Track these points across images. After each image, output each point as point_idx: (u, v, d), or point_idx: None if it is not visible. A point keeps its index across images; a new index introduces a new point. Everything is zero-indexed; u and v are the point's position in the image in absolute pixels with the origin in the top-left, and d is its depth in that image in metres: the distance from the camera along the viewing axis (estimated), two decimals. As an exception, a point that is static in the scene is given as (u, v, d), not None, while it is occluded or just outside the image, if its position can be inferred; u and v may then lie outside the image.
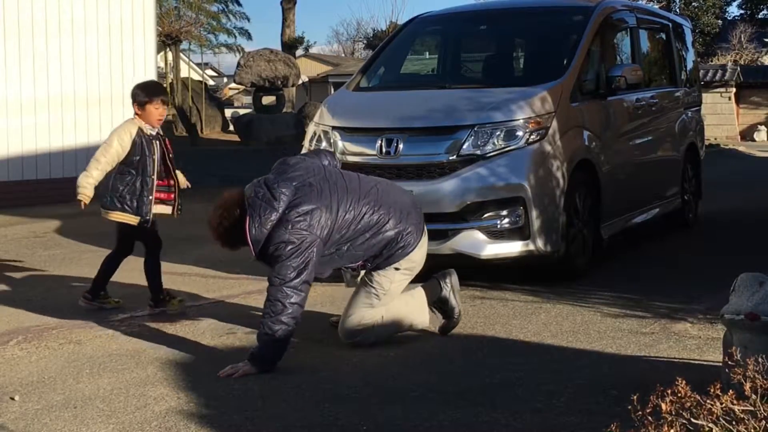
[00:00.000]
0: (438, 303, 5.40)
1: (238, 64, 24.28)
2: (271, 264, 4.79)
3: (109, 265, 6.28)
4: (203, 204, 9.26)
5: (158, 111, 6.02)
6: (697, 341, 5.15)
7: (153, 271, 6.18)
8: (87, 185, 6.00)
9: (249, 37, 39.36)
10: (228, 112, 31.37)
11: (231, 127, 26.54)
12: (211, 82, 43.60)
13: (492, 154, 6.57)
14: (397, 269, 5.11)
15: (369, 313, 5.14)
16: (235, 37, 35.88)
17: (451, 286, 5.40)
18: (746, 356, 2.90)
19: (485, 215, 6.52)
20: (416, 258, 5.17)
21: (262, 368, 4.67)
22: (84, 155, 12.71)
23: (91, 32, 12.86)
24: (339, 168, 5.30)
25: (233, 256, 7.83)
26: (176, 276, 7.37)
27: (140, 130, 6.00)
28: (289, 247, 4.70)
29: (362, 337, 5.15)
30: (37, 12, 12.35)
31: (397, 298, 5.25)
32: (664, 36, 9.66)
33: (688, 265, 7.70)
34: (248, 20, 47.83)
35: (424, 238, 5.23)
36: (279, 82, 23.62)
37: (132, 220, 6.04)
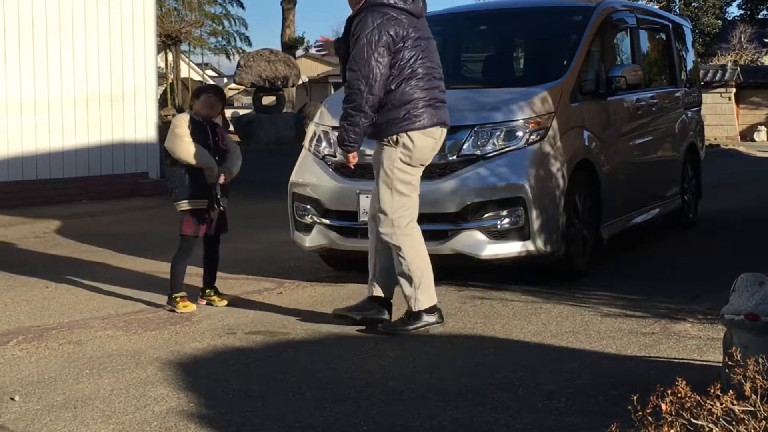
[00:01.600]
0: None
1: (239, 64, 24.27)
2: (350, 49, 5.41)
3: (208, 263, 6.38)
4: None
5: (210, 100, 6.28)
6: (697, 341, 5.15)
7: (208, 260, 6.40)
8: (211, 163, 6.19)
9: (249, 43, 39.42)
10: (228, 113, 31.36)
11: (231, 128, 26.54)
12: (211, 83, 43.57)
13: (492, 154, 6.57)
14: (394, 147, 5.40)
15: (394, 208, 5.43)
16: (236, 40, 35.91)
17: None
18: (746, 356, 2.90)
19: (485, 215, 6.51)
20: (417, 142, 5.43)
21: (347, 149, 5.49)
22: (84, 155, 12.76)
23: (91, 32, 12.86)
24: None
25: (232, 256, 7.83)
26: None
27: (191, 118, 6.22)
28: (375, 34, 5.31)
29: (395, 239, 5.43)
30: (37, 12, 12.35)
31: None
32: (664, 36, 9.66)
33: (688, 265, 7.70)
34: (246, 27, 47.84)
35: (435, 136, 5.52)
36: (279, 83, 23.61)
37: (202, 205, 6.18)
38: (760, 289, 3.79)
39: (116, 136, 13.14)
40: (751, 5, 41.24)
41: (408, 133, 5.40)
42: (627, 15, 8.67)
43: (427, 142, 5.48)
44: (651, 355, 4.91)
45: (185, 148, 6.10)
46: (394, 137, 5.40)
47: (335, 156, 6.83)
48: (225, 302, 6.31)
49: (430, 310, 5.49)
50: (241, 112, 31.24)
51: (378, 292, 5.64)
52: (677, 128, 9.29)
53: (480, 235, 6.49)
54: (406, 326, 5.48)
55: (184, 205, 6.17)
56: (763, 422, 2.54)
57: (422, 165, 5.55)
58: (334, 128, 6.98)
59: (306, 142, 7.22)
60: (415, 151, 5.43)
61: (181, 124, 6.18)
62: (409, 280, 5.47)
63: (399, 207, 5.44)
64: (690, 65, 10.34)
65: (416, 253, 5.47)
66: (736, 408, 2.58)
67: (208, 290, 6.35)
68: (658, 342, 5.16)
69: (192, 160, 6.09)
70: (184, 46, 29.21)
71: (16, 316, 6.14)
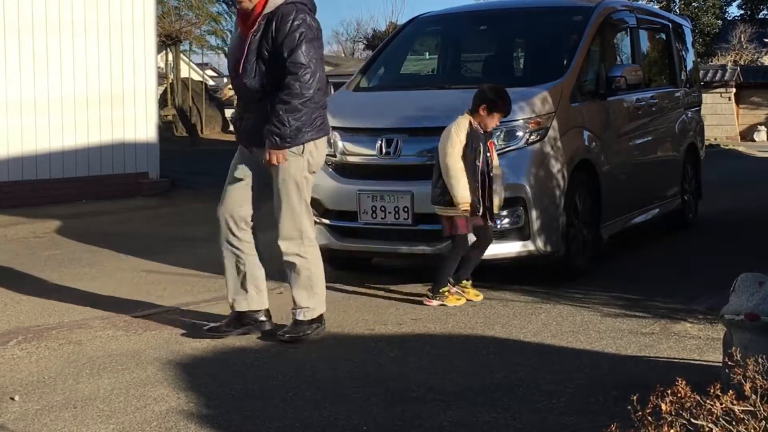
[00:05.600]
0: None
1: (239, 64, 24.22)
2: (284, 47, 5.12)
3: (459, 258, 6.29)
4: (204, 204, 9.30)
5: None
6: (697, 341, 5.15)
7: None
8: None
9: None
10: (228, 113, 31.30)
11: (231, 128, 26.52)
12: (211, 83, 43.47)
13: (492, 154, 6.57)
14: (301, 156, 5.20)
15: (304, 220, 5.32)
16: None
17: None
18: (746, 356, 2.90)
19: (485, 215, 6.51)
20: (321, 148, 5.34)
21: (273, 143, 5.12)
22: (84, 155, 12.75)
23: (91, 32, 12.85)
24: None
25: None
26: (175, 276, 7.38)
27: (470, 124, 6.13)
28: (313, 33, 5.16)
29: (302, 250, 5.32)
30: (37, 12, 12.34)
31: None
32: (664, 36, 9.66)
33: (688, 265, 7.70)
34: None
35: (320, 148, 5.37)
36: (279, 83, 23.56)
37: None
38: (760, 289, 3.80)
39: (116, 136, 13.13)
40: (751, 5, 41.16)
41: (315, 141, 5.27)
42: (627, 15, 8.67)
43: (325, 147, 5.46)
44: (651, 355, 4.91)
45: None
46: (302, 147, 5.21)
47: (335, 156, 6.85)
48: (480, 296, 6.29)
49: (320, 318, 5.46)
50: (241, 112, 31.13)
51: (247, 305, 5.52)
52: (677, 128, 9.29)
53: (480, 235, 6.48)
54: (306, 332, 5.36)
55: (455, 210, 6.08)
56: (763, 422, 2.55)
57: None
58: (334, 128, 6.99)
59: (306, 142, 7.21)
60: (318, 158, 5.36)
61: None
62: (310, 289, 5.39)
63: (307, 218, 5.38)
64: (690, 65, 10.34)
65: (319, 263, 5.44)
66: (736, 408, 2.58)
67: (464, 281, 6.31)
68: (658, 342, 5.16)
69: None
70: (184, 46, 29.13)
71: (16, 316, 6.14)
